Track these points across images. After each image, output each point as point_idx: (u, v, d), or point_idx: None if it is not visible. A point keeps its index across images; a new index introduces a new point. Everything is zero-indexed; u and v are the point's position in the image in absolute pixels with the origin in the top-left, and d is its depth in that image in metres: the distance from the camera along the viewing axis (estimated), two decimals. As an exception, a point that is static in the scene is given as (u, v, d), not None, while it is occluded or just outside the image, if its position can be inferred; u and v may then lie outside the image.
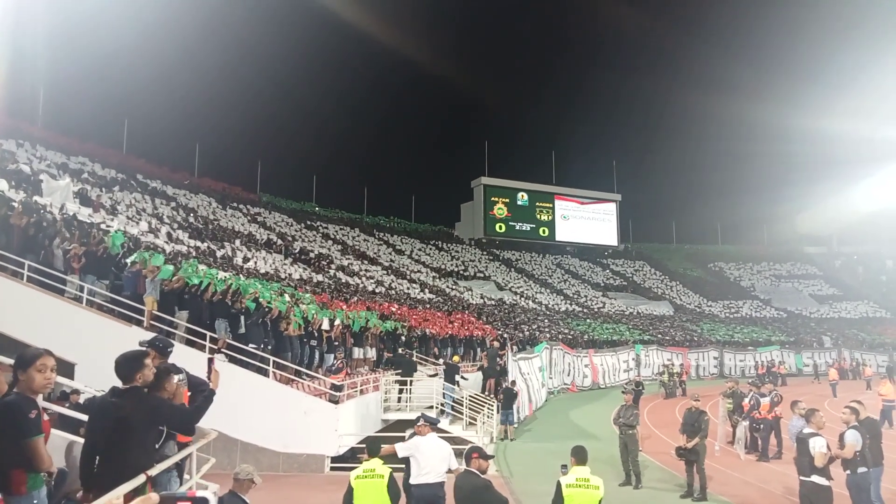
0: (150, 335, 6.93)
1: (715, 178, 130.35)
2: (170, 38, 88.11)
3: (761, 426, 13.79)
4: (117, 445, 3.72)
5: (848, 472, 7.28)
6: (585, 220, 65.05)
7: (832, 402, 22.29)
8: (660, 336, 43.53)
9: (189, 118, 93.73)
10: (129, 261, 13.14)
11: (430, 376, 18.02)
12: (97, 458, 3.82)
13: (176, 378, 4.57)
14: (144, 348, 4.59)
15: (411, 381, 16.91)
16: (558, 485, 5.49)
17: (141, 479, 3.64)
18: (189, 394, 4.81)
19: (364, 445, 13.31)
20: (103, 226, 16.73)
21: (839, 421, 7.79)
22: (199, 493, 1.04)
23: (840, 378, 30.17)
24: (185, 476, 5.12)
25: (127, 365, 3.95)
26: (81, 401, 9.82)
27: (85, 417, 5.71)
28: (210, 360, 4.73)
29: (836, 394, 26.06)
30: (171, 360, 4.96)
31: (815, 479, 7.02)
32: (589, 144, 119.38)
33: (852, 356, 41.24)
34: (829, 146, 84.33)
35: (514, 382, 17.90)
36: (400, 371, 17.43)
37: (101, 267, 12.73)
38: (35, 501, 3.40)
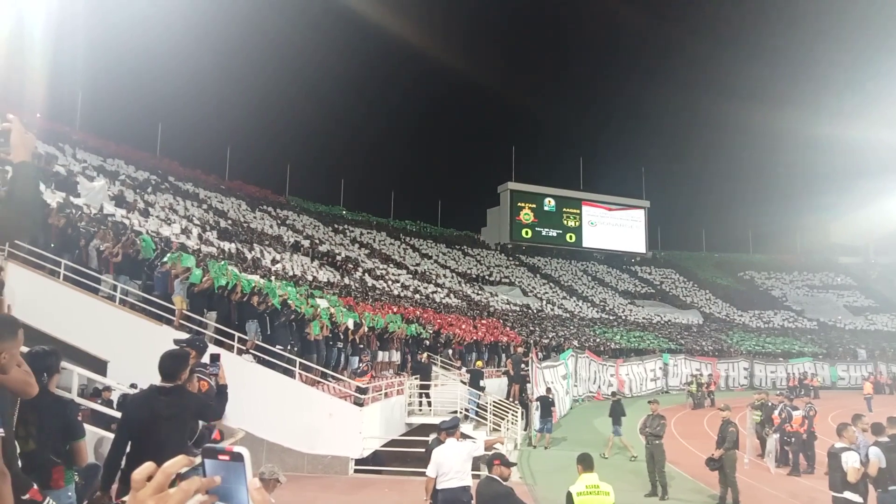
0: (181, 335, 7.06)
1: (746, 186, 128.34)
2: (203, 44, 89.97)
3: (792, 439, 13.50)
4: (161, 442, 3.74)
5: (879, 490, 7.10)
6: (613, 227, 64.41)
7: (867, 417, 21.65)
8: (688, 345, 42.82)
9: (221, 122, 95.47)
10: (160, 261, 13.38)
11: (463, 381, 17.94)
12: (126, 453, 3.88)
13: (213, 377, 4.68)
14: (184, 347, 4.67)
15: (434, 386, 16.88)
16: (569, 494, 5.40)
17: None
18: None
19: (391, 449, 13.39)
20: (137, 227, 17.09)
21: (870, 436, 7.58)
22: (236, 449, 1.08)
23: (875, 392, 29.32)
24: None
25: (174, 363, 4.00)
26: (113, 398, 10.04)
27: (117, 414, 5.84)
28: (216, 357, 4.81)
29: (872, 408, 25.34)
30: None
31: (848, 495, 6.84)
32: (617, 150, 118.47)
33: (889, 370, 40.07)
34: (862, 154, 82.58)
35: (549, 390, 17.73)
36: (419, 375, 17.43)
37: (134, 267, 12.98)
38: (70, 493, 3.62)
